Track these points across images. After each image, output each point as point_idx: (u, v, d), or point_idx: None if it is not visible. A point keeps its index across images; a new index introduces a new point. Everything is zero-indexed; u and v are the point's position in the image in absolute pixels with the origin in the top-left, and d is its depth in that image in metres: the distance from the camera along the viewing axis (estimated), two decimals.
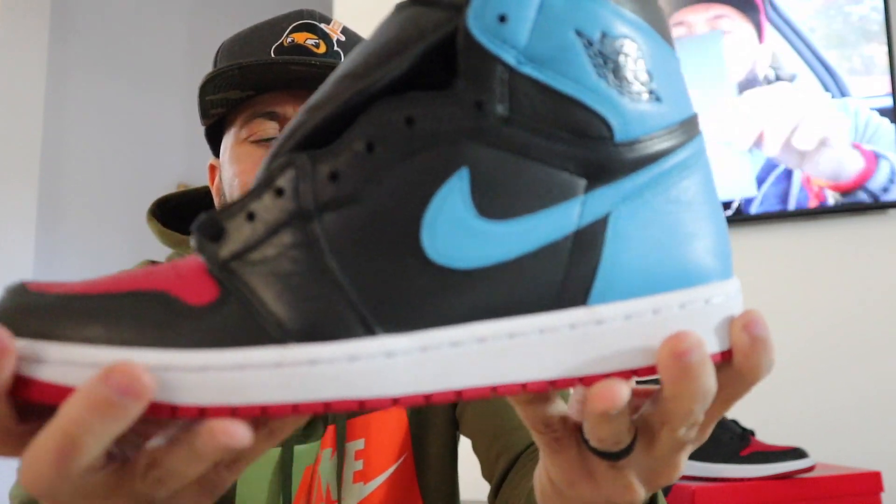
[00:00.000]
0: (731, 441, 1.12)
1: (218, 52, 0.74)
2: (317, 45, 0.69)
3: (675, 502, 1.14)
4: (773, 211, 1.61)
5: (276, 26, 0.70)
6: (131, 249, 2.83)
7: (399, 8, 0.30)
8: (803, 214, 1.58)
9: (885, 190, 1.56)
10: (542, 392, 0.32)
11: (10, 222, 2.61)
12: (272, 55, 0.68)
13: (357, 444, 0.69)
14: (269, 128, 0.67)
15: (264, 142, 0.67)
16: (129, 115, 3.04)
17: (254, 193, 0.28)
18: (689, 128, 0.31)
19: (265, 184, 0.28)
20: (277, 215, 0.27)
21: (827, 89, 1.59)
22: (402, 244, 0.27)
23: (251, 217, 0.28)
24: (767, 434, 1.41)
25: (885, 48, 1.56)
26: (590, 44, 0.28)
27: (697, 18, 1.66)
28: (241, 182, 0.67)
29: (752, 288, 1.60)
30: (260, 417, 0.27)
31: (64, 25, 2.80)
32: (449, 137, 0.28)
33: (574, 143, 0.28)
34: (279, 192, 0.28)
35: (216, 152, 0.75)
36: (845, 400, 1.51)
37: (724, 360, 0.30)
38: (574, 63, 0.28)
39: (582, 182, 0.29)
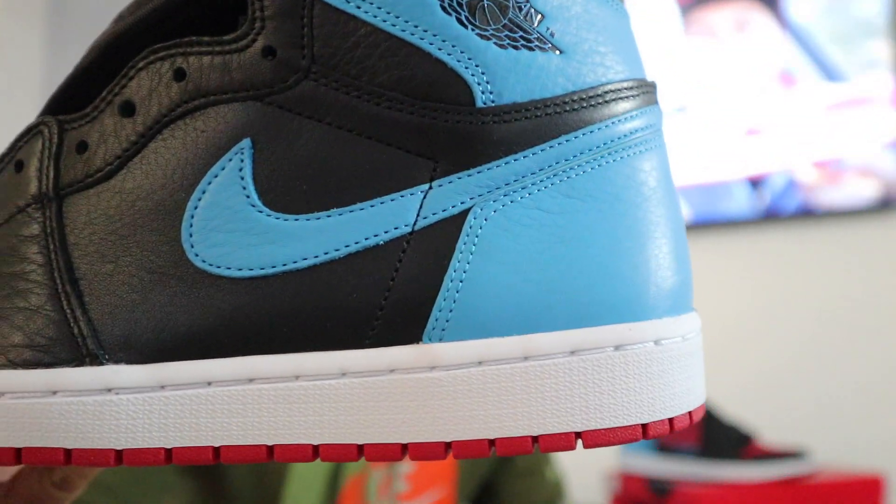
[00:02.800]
0: (731, 443, 1.12)
1: None
2: None
3: None
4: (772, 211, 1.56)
5: None
6: None
7: None
8: (802, 215, 1.52)
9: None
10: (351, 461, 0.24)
11: None
12: None
13: (405, 467, 0.66)
14: None
15: None
16: None
17: None
18: (623, 95, 0.21)
19: (6, 154, 0.22)
20: (14, 197, 0.21)
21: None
22: (156, 241, 0.20)
23: None
24: (768, 434, 1.36)
25: (889, 45, 1.48)
26: None
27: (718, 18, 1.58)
28: None
29: (752, 287, 1.55)
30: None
31: (62, 25, 2.86)
32: (227, 97, 0.20)
33: (413, 109, 0.20)
34: (19, 167, 0.21)
35: None
36: (847, 400, 1.47)
37: (645, 437, 0.21)
38: None
39: (426, 165, 0.20)
